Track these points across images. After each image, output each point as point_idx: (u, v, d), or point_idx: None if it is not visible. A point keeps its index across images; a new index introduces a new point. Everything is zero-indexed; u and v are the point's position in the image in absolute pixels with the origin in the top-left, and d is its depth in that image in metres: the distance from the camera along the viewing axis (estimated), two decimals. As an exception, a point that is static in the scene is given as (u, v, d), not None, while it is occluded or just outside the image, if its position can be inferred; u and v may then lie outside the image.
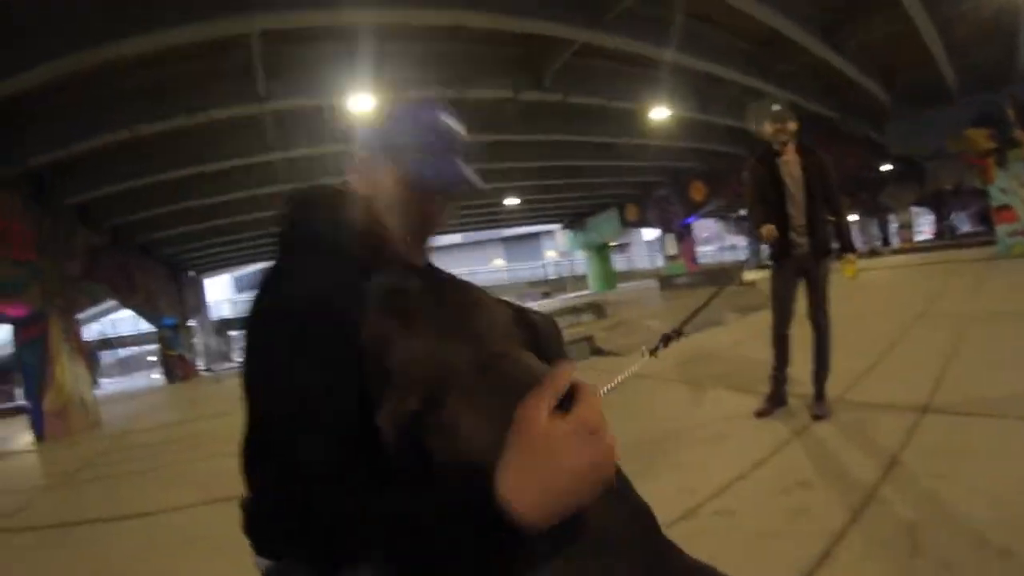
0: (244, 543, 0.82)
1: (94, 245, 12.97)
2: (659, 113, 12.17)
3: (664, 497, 2.88)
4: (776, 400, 4.62)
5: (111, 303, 17.81)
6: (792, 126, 4.38)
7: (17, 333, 10.49)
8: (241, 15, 6.86)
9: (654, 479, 3.39)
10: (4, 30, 6.60)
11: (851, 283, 4.49)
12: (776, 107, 4.45)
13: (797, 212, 4.38)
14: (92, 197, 11.59)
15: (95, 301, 15.08)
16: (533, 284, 39.73)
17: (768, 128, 4.43)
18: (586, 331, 9.87)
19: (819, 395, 4.37)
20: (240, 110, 9.17)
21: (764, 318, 4.84)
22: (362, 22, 7.67)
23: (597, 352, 8.76)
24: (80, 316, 29.24)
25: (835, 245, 4.46)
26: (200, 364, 22.87)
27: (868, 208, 29.59)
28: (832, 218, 4.43)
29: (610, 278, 28.15)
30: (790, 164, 4.41)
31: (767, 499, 2.96)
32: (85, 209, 12.30)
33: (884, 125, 15.48)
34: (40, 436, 9.94)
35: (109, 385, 29.45)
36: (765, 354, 4.62)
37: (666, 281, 19.49)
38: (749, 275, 14.14)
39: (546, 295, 36.48)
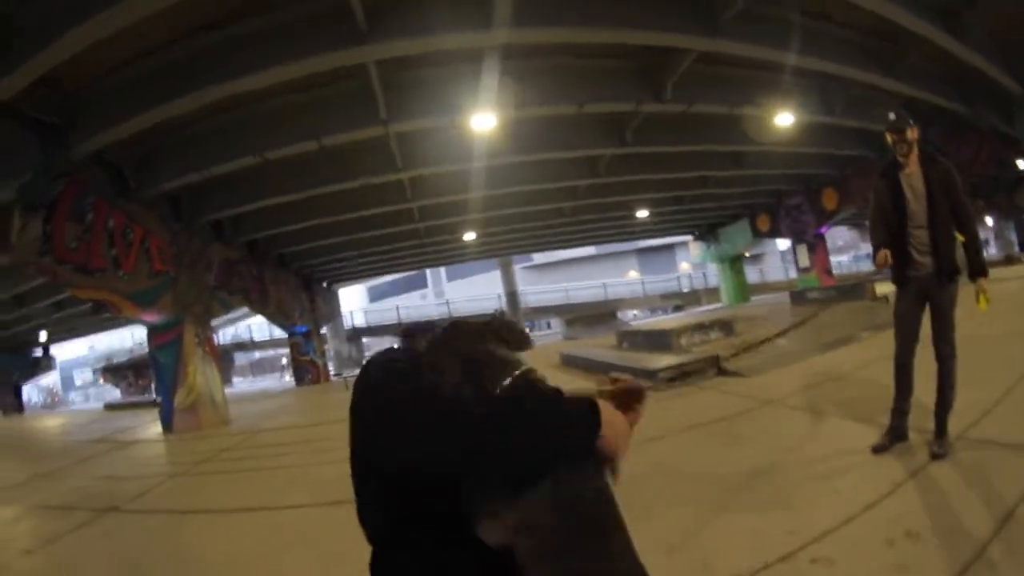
0: (345, 544, 1.07)
1: (229, 258, 14.27)
2: (784, 119, 11.92)
3: (765, 537, 3.06)
4: (895, 434, 4.29)
5: (246, 309, 19.33)
6: (911, 134, 4.05)
7: (151, 336, 11.78)
8: (352, 47, 7.31)
9: (759, 515, 3.40)
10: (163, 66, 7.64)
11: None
12: (892, 116, 4.13)
13: (918, 230, 4.06)
14: (226, 216, 12.92)
15: (229, 309, 16.33)
16: (666, 297, 38.98)
17: (888, 139, 4.14)
18: (712, 350, 9.74)
19: (939, 431, 4.01)
20: (362, 133, 9.83)
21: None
22: (478, 46, 7.98)
23: (722, 372, 8.58)
24: (216, 321, 32.06)
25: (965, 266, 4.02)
26: (332, 369, 24.08)
27: (1004, 210, 26.89)
28: (960, 236, 4.04)
29: (743, 291, 27.27)
30: (912, 176, 4.09)
31: (870, 550, 2.80)
32: (220, 226, 13.63)
33: (1016, 116, 13.76)
34: (168, 428, 11.09)
35: (241, 384, 31.70)
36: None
37: (798, 296, 18.78)
38: (881, 288, 13.40)
39: (678, 308, 35.94)
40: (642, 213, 19.95)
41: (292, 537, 4.18)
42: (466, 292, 42.77)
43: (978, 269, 3.98)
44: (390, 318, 36.46)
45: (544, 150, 12.12)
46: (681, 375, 8.44)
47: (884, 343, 4.21)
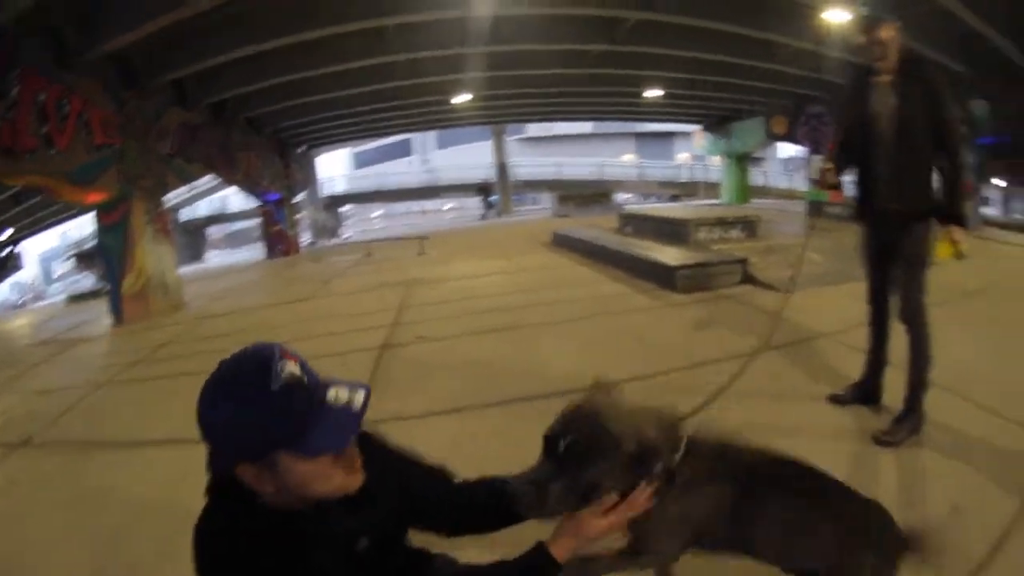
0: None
1: (190, 122, 12.87)
2: (836, 15, 10.23)
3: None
4: (862, 391, 3.75)
5: (219, 180, 17.92)
6: (886, 33, 3.20)
7: (97, 217, 10.54)
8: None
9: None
10: None
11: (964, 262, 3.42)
12: (863, 10, 3.40)
13: (883, 156, 3.30)
14: (188, 74, 11.27)
15: (188, 179, 15.19)
16: (663, 184, 37.99)
17: (860, 41, 3.35)
18: (736, 251, 8.66)
19: (901, 415, 3.35)
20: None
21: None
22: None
23: (750, 280, 7.59)
24: (187, 195, 30.86)
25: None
26: (305, 240, 23.04)
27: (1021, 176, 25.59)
28: (942, 167, 3.24)
29: (745, 191, 26.17)
30: (882, 89, 3.29)
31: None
32: (181, 87, 12.09)
33: None
34: (119, 319, 10.11)
35: (216, 258, 30.76)
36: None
37: (815, 207, 17.64)
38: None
39: (675, 198, 35.15)
40: (654, 92, 18.33)
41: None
42: (454, 160, 41.41)
43: (951, 211, 3.26)
44: (372, 185, 35.28)
45: (562, 3, 10.43)
46: (701, 278, 7.37)
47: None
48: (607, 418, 1.40)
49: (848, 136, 3.55)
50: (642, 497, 1.39)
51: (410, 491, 1.46)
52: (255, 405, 1.05)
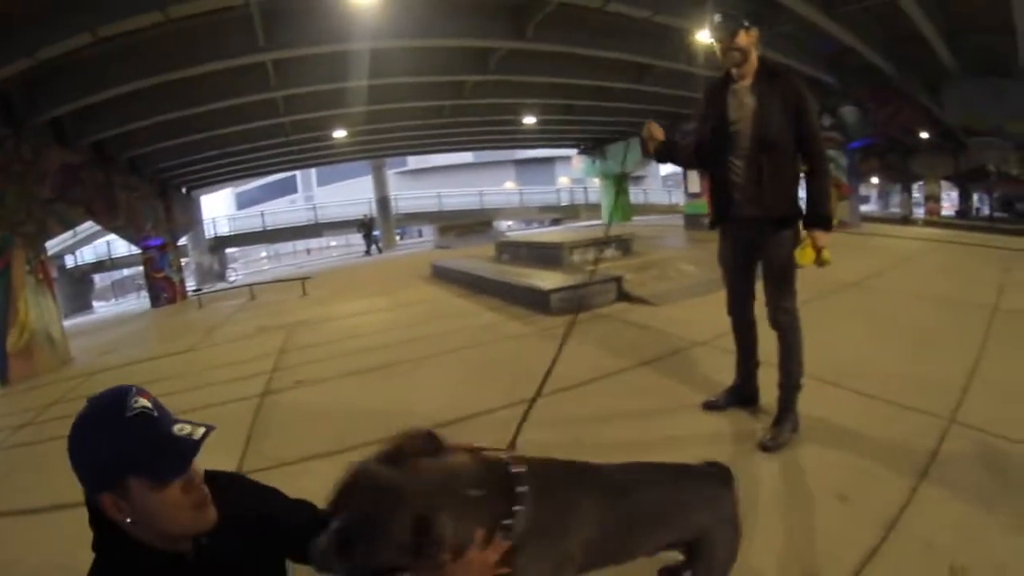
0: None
1: (69, 164, 12.02)
2: (704, 36, 10.79)
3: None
4: (737, 395, 3.73)
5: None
6: (745, 39, 3.19)
7: None
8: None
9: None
10: None
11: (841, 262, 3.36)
12: (717, 18, 3.22)
13: (741, 160, 3.26)
14: (69, 110, 10.53)
15: (69, 225, 14.05)
16: (544, 209, 39.03)
17: (715, 48, 3.30)
18: (612, 269, 8.64)
19: (778, 417, 3.33)
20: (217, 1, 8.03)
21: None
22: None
23: (625, 298, 7.63)
24: (72, 240, 28.84)
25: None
26: (190, 285, 21.81)
27: (896, 172, 28.26)
28: (805, 171, 3.26)
29: (626, 210, 27.09)
30: (741, 93, 3.27)
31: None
32: (60, 126, 11.35)
33: (942, 89, 14.00)
34: (4, 379, 9.18)
35: (102, 308, 28.85)
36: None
37: (692, 220, 18.41)
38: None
39: (556, 221, 36.12)
40: (530, 120, 18.64)
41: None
42: (337, 197, 40.87)
43: (817, 217, 3.17)
44: (256, 225, 34.33)
45: (434, 35, 10.30)
46: (576, 300, 7.28)
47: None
48: (384, 489, 1.20)
49: (703, 142, 3.46)
50: (479, 559, 1.23)
51: (276, 522, 1.52)
52: (108, 431, 1.19)
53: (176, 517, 1.24)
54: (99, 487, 1.21)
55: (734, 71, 3.29)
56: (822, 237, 3.12)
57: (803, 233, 3.23)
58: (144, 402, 1.24)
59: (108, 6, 7.54)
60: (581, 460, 1.59)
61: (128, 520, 1.21)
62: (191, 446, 1.24)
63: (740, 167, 3.26)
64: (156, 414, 1.25)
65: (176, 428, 1.25)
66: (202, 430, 1.27)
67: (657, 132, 3.49)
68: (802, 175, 3.32)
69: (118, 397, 1.23)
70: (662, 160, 3.68)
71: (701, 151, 3.48)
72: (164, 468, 1.20)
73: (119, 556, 1.26)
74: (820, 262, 3.13)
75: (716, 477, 1.82)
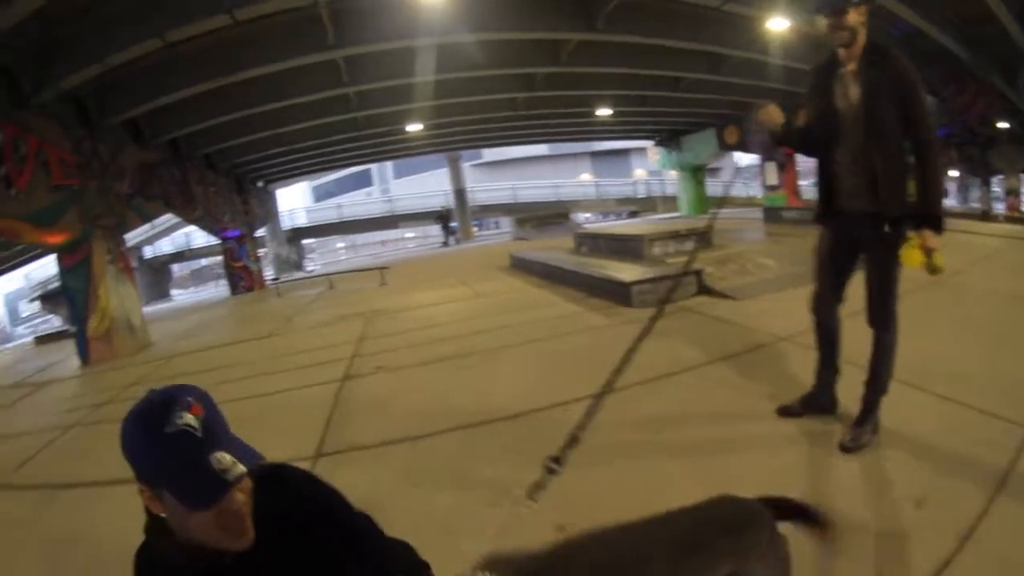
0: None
1: (147, 161, 12.76)
2: (777, 23, 10.54)
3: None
4: (814, 402, 3.53)
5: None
6: (854, 17, 2.83)
7: (59, 259, 10.24)
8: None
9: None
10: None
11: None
12: None
13: (851, 152, 3.01)
14: (141, 113, 11.21)
15: (148, 218, 14.81)
16: (621, 202, 38.62)
17: (824, 26, 2.95)
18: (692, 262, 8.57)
19: (860, 418, 3.17)
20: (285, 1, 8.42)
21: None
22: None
23: (706, 291, 7.51)
24: (153, 232, 30.28)
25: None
26: (269, 275, 22.58)
27: (976, 165, 26.49)
28: (914, 163, 2.89)
29: (703, 203, 26.52)
30: (847, 80, 2.99)
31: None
32: (136, 126, 12.03)
33: (1019, 73, 13.16)
34: (85, 360, 9.85)
35: (180, 297, 30.28)
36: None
37: (772, 213, 17.84)
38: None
39: (634, 214, 35.78)
40: (604, 111, 18.48)
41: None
42: (413, 189, 41.53)
43: (928, 215, 2.86)
44: (332, 217, 35.43)
45: (502, 28, 10.39)
46: (656, 292, 7.28)
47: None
48: None
49: (811, 130, 3.25)
50: None
51: (320, 545, 1.38)
52: (144, 442, 1.12)
53: (206, 537, 1.15)
54: (138, 479, 1.15)
55: (841, 52, 3.00)
56: (933, 239, 2.83)
57: (910, 232, 2.95)
58: (190, 419, 1.12)
59: (176, 11, 7.98)
60: (564, 541, 1.39)
61: (163, 515, 1.16)
62: (220, 486, 1.11)
63: (848, 159, 3.05)
64: (200, 435, 1.12)
65: (216, 458, 1.12)
66: (241, 469, 1.14)
67: (776, 115, 3.26)
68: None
69: (165, 407, 1.12)
70: (781, 144, 3.46)
71: (809, 139, 3.28)
72: (191, 496, 1.11)
73: (163, 543, 1.21)
74: (931, 268, 2.84)
75: (742, 520, 1.51)
